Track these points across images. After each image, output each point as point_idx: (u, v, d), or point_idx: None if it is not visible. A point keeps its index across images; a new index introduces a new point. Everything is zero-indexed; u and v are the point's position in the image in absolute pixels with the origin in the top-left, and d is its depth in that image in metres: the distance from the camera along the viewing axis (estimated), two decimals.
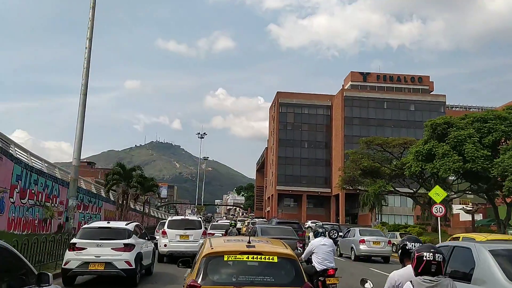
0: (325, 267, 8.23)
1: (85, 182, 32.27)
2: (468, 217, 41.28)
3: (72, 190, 20.07)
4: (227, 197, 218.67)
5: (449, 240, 12.96)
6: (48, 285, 4.81)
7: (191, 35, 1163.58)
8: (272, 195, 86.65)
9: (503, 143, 30.60)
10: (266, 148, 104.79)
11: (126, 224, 11.63)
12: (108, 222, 12.45)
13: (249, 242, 5.09)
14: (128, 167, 36.28)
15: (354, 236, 22.37)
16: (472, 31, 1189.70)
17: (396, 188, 47.55)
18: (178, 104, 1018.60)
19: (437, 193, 22.57)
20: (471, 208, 40.16)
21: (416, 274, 3.47)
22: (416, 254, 3.50)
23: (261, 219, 50.11)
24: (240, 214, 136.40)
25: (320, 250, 8.37)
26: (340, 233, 27.84)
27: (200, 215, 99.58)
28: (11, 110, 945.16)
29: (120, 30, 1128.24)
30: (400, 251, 4.37)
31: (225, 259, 4.85)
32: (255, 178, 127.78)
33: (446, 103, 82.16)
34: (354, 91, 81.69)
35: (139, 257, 10.61)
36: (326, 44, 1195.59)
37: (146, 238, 12.24)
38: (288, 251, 5.15)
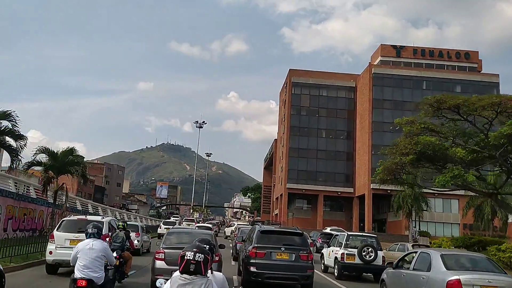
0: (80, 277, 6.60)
1: None
2: None
3: None
4: (234, 200, 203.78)
5: None
6: None
7: (204, 38, 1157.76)
8: (281, 194, 71.09)
9: None
10: (275, 140, 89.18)
11: None
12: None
13: None
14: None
15: (430, 270, 9.52)
16: (490, 37, 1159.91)
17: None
18: (190, 107, 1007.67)
19: None
20: None
21: (180, 273, 3.54)
22: (181, 253, 3.58)
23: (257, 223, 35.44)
24: (247, 218, 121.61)
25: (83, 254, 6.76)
26: (381, 252, 16.22)
27: (196, 217, 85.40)
28: (26, 110, 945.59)
29: (134, 32, 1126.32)
30: None
31: None
32: (262, 177, 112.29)
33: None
34: (385, 68, 65.98)
35: None
36: (340, 50, 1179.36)
37: None
38: None
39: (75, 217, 14.44)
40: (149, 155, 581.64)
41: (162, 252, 10.66)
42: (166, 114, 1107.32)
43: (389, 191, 60.02)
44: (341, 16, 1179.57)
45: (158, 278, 10.07)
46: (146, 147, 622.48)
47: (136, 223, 26.39)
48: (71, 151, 21.63)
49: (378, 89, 64.25)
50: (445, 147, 29.34)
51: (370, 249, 15.84)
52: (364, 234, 19.62)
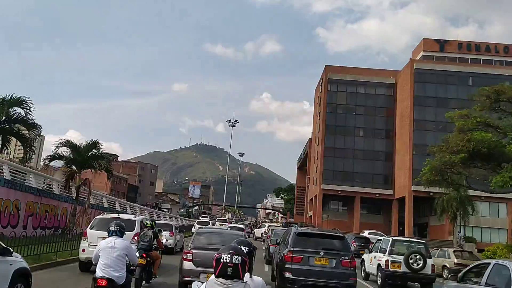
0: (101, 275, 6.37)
1: None
2: None
3: None
4: (267, 201, 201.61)
5: None
6: (10, 256, 6.87)
7: (239, 38, 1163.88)
8: (316, 196, 68.47)
9: None
10: (309, 140, 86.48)
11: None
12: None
13: None
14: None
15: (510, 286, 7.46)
16: None
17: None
18: (223, 107, 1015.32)
19: None
20: None
21: (216, 277, 3.25)
22: (216, 256, 3.28)
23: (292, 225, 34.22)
24: (279, 219, 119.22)
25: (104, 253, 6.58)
26: (430, 260, 14.91)
27: (228, 217, 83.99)
28: (65, 111, 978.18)
29: (169, 34, 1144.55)
30: None
31: None
32: (296, 177, 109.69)
33: None
34: (427, 63, 62.33)
35: None
36: (375, 49, 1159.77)
37: None
38: None
39: (108, 215, 14.35)
40: (183, 155, 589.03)
41: (190, 253, 10.15)
42: (200, 114, 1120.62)
43: (431, 194, 56.47)
44: (377, 15, 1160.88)
45: (185, 280, 9.69)
46: (180, 147, 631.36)
47: (170, 223, 26.46)
48: (94, 144, 20.08)
49: (420, 86, 60.70)
50: (502, 144, 26.40)
51: (418, 257, 14.39)
52: (411, 239, 17.66)
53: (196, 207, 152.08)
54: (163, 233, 20.40)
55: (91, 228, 12.89)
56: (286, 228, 36.99)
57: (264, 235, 35.30)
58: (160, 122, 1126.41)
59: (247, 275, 3.53)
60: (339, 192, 65.21)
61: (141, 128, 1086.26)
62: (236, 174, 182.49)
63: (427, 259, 14.51)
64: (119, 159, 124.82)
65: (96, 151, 20.21)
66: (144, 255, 10.17)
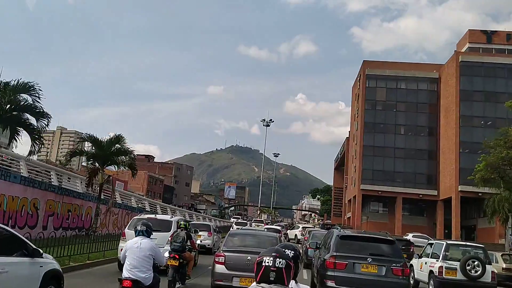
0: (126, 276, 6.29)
1: None
2: None
3: None
4: (302, 202, 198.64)
5: None
6: (40, 258, 6.68)
7: (273, 40, 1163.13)
8: (355, 196, 65.63)
9: None
10: (347, 138, 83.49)
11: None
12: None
13: None
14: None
15: None
16: None
17: None
18: (258, 109, 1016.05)
19: None
20: None
21: (257, 282, 2.92)
22: (257, 259, 2.95)
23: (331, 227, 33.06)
24: (316, 221, 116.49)
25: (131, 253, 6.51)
26: (490, 267, 13.42)
27: (264, 218, 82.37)
28: (104, 115, 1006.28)
29: (205, 38, 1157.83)
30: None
31: None
32: (332, 178, 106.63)
33: None
34: (474, 55, 58.41)
35: None
36: (413, 48, 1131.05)
37: None
38: None
39: (146, 216, 14.43)
40: (218, 157, 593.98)
41: (223, 256, 9.66)
42: (235, 116, 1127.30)
43: (480, 194, 52.77)
44: (414, 13, 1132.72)
45: (217, 284, 9.36)
46: (216, 149, 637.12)
47: (208, 223, 26.59)
48: (117, 139, 18.59)
49: (466, 79, 56.90)
50: None
51: (476, 263, 12.93)
52: (467, 243, 15.57)
53: (232, 208, 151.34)
54: (201, 233, 20.22)
55: (129, 228, 12.83)
56: (324, 230, 34.75)
57: (300, 237, 34.28)
58: (196, 124, 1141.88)
59: (292, 282, 3.18)
60: (379, 192, 62.13)
61: (178, 131, 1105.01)
62: (272, 176, 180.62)
63: (486, 265, 13.00)
64: (156, 160, 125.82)
65: (119, 146, 18.79)
66: (177, 256, 9.82)
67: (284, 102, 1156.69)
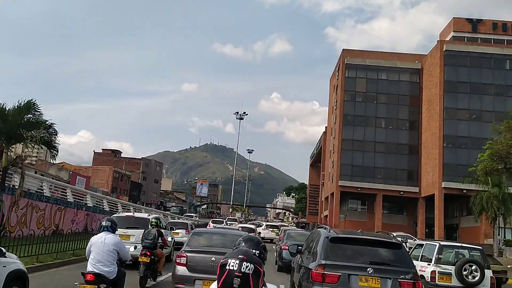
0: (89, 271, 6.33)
1: None
2: None
3: None
4: (277, 200, 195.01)
5: None
6: (3, 257, 6.26)
7: (248, 38, 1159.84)
8: (332, 193, 61.78)
9: None
10: (324, 133, 79.66)
11: None
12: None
13: None
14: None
15: None
16: None
17: None
18: (232, 107, 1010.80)
19: None
20: None
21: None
22: (221, 261, 2.59)
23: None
24: (290, 220, 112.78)
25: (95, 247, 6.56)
26: (488, 272, 11.67)
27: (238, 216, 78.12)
28: (77, 111, 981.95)
29: (179, 35, 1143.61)
30: None
31: None
32: (307, 177, 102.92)
33: None
34: (459, 44, 55.32)
35: None
36: (386, 49, 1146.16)
37: None
38: None
39: (124, 214, 15.56)
40: (192, 155, 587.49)
41: (184, 256, 8.74)
42: (209, 115, 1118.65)
43: (465, 191, 49.75)
44: (387, 15, 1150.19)
45: (179, 286, 8.87)
46: (190, 147, 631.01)
47: (186, 221, 26.77)
48: (28, 106, 13.38)
49: (451, 70, 53.73)
50: None
51: (474, 267, 11.51)
52: (463, 245, 13.62)
53: (204, 206, 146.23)
54: (179, 231, 20.54)
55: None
56: (300, 229, 30.43)
57: (263, 235, 34.06)
58: (170, 122, 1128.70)
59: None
60: (359, 189, 58.43)
61: (151, 128, 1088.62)
62: (246, 174, 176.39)
63: (485, 270, 11.49)
64: (124, 156, 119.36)
65: (31, 115, 13.78)
66: (148, 253, 10.08)
67: (259, 100, 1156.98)
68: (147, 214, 16.59)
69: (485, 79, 53.39)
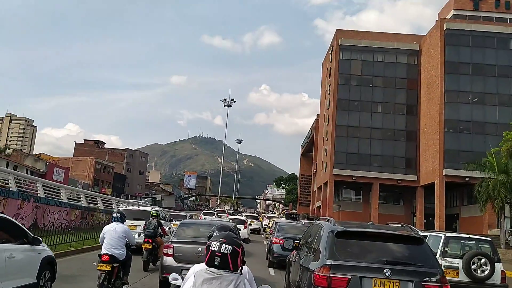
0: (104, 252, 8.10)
1: None
2: None
3: None
4: (266, 192, 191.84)
5: None
6: (39, 245, 7.63)
7: (237, 30, 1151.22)
8: (326, 183, 58.39)
9: None
10: (316, 120, 76.11)
11: None
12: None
13: None
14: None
15: None
16: None
17: None
18: (221, 100, 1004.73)
19: None
20: None
21: (206, 264, 2.98)
22: (207, 242, 3.04)
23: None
24: (280, 211, 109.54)
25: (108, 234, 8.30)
26: (499, 265, 10.88)
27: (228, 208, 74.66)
28: (64, 104, 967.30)
29: (167, 26, 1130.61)
30: None
31: None
32: (298, 168, 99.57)
33: None
34: (461, 23, 51.94)
35: None
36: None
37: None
38: None
39: (131, 207, 19.11)
40: (181, 148, 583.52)
41: (171, 247, 9.10)
42: (198, 107, 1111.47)
43: (467, 179, 46.68)
44: (376, 7, 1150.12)
45: (166, 277, 8.90)
46: (179, 139, 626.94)
47: (185, 214, 28.78)
48: None
49: (452, 50, 50.35)
50: None
51: (483, 260, 10.46)
52: (471, 236, 12.49)
53: (192, 198, 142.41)
54: (178, 222, 21.82)
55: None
56: (291, 221, 27.43)
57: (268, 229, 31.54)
58: (159, 114, 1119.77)
59: (245, 268, 3.25)
60: (354, 178, 55.04)
61: (140, 121, 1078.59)
62: (235, 166, 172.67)
63: (495, 263, 10.63)
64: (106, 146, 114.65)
65: None
66: (150, 241, 11.92)
67: (248, 92, 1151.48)
68: (150, 208, 19.05)
69: (488, 60, 50.13)
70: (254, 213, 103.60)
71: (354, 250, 6.30)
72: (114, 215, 8.42)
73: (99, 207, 25.47)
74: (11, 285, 6.72)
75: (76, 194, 25.66)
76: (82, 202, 22.46)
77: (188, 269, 8.12)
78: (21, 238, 7.24)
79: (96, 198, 26.97)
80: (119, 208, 23.92)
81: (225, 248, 2.86)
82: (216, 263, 2.85)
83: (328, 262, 6.04)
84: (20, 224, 7.63)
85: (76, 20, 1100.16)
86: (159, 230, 12.48)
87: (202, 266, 3.01)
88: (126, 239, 8.15)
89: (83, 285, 9.84)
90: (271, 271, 14.11)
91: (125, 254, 8.10)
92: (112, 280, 7.88)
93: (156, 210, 13.73)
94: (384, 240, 6.41)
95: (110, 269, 7.78)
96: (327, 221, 7.28)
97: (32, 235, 7.53)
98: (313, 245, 7.05)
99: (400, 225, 9.02)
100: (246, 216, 38.39)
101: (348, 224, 7.35)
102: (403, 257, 6.19)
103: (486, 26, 51.05)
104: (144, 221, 13.42)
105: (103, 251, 7.86)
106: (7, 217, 7.17)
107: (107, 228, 8.18)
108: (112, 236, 7.97)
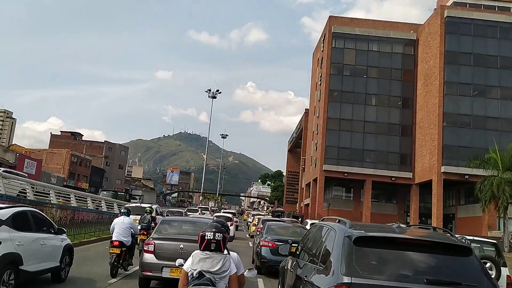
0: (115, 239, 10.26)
1: None
2: None
3: None
4: (251, 189, 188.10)
5: None
6: (62, 235, 9.27)
7: (223, 26, 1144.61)
8: (315, 179, 54.87)
9: None
10: (305, 114, 72.50)
11: None
12: None
13: None
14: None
15: None
16: None
17: None
18: (207, 96, 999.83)
19: None
20: None
21: (201, 250, 3.95)
22: (200, 233, 3.99)
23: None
24: (265, 209, 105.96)
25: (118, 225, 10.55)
26: (505, 270, 9.93)
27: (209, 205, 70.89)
28: (46, 98, 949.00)
29: (153, 22, 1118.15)
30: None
31: None
32: (284, 166, 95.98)
33: None
34: (462, 10, 48.83)
35: None
36: None
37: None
38: None
39: (134, 205, 23.72)
40: (166, 144, 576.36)
41: (152, 244, 8.85)
42: (183, 103, 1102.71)
43: (467, 177, 43.71)
44: (363, 7, 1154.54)
45: (146, 274, 8.94)
46: (164, 135, 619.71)
47: (181, 210, 32.78)
48: None
49: (453, 39, 47.20)
50: None
51: (488, 264, 9.22)
52: (475, 238, 11.19)
53: (175, 195, 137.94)
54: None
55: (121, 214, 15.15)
56: (278, 219, 26.08)
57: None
58: (143, 110, 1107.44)
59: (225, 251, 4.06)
60: (346, 174, 51.60)
61: (124, 116, 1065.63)
62: (220, 164, 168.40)
63: (501, 268, 9.58)
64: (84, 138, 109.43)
65: None
66: (145, 233, 13.68)
67: (234, 90, 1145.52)
68: (150, 205, 22.00)
69: (490, 50, 47.15)
70: (239, 210, 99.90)
71: (380, 263, 4.65)
72: (122, 210, 11.11)
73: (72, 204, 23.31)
74: (44, 266, 8.30)
75: (43, 189, 23.03)
76: (28, 195, 18.44)
77: (169, 266, 8.21)
78: (48, 229, 8.73)
79: (69, 194, 24.76)
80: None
81: (218, 236, 3.92)
82: (212, 247, 3.88)
83: (346, 280, 4.35)
84: (46, 217, 9.28)
85: (62, 13, 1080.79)
86: (152, 224, 14.41)
87: (197, 251, 3.97)
88: (132, 229, 10.57)
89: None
90: (260, 282, 11.51)
91: (131, 241, 10.48)
92: (121, 261, 10.27)
93: (150, 207, 16.94)
94: (418, 250, 4.74)
95: (119, 252, 10.06)
96: (338, 222, 5.57)
97: (57, 227, 9.20)
98: (319, 253, 5.52)
99: (431, 228, 6.63)
100: (223, 212, 39.88)
101: (368, 227, 5.61)
102: (448, 274, 4.54)
103: (488, 14, 48.06)
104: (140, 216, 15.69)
105: (114, 238, 10.13)
106: (39, 211, 8.84)
107: (116, 220, 10.57)
108: (120, 227, 10.31)
